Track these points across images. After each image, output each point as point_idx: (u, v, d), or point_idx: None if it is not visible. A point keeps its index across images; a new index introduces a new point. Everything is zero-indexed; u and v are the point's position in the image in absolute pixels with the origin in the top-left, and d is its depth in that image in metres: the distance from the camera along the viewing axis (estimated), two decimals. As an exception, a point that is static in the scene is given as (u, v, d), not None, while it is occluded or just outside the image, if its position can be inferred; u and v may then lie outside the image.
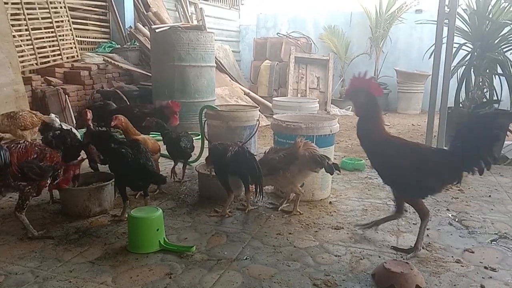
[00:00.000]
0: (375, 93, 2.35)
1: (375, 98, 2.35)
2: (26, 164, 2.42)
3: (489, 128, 2.15)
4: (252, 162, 2.87)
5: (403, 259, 2.30)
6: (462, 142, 2.24)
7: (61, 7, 6.79)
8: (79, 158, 2.92)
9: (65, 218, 2.87)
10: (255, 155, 3.02)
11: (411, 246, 2.43)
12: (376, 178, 3.90)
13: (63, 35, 6.80)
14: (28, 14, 6.25)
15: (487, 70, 4.97)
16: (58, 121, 3.93)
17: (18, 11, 6.13)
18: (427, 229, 2.74)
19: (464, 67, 4.97)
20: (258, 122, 3.86)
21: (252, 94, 8.09)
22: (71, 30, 6.94)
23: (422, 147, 2.52)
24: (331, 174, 2.97)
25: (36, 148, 2.54)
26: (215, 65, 6.44)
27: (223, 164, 2.93)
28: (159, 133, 3.80)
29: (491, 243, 2.57)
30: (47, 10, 6.56)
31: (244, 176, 2.96)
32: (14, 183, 2.44)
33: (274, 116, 3.54)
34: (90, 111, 3.43)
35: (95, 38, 7.76)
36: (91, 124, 3.37)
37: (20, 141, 2.54)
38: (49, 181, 2.59)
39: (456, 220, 2.91)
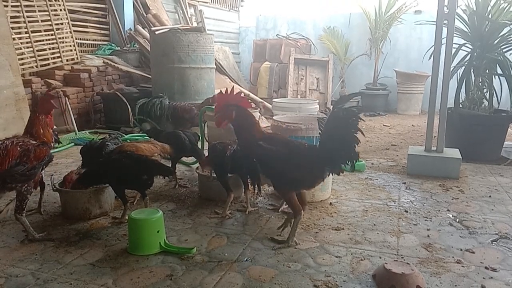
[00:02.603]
0: (245, 106, 2.56)
1: (245, 110, 2.54)
2: (8, 174, 2.30)
3: (345, 128, 2.33)
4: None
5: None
6: (328, 139, 2.43)
7: (60, 10, 6.80)
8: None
9: (65, 220, 2.86)
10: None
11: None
12: (377, 179, 3.91)
13: (62, 38, 6.81)
14: (27, 16, 6.27)
15: (487, 71, 4.98)
16: None
17: (18, 14, 6.15)
18: (427, 229, 2.75)
19: (463, 67, 4.97)
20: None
21: (252, 95, 8.09)
22: (70, 32, 6.96)
23: (295, 144, 2.58)
24: (338, 174, 2.96)
25: (18, 148, 2.34)
26: (215, 66, 6.45)
27: (222, 163, 2.94)
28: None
29: (492, 243, 2.56)
30: (47, 13, 6.58)
31: (243, 175, 2.96)
32: (7, 186, 2.41)
33: (274, 118, 3.54)
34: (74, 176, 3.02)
35: (95, 40, 7.77)
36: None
37: (0, 141, 2.36)
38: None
39: (457, 220, 2.91)
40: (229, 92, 2.53)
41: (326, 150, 2.41)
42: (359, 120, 2.33)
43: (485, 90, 5.00)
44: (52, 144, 2.60)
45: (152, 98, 4.78)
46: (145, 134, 4.66)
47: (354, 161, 2.43)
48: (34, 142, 2.45)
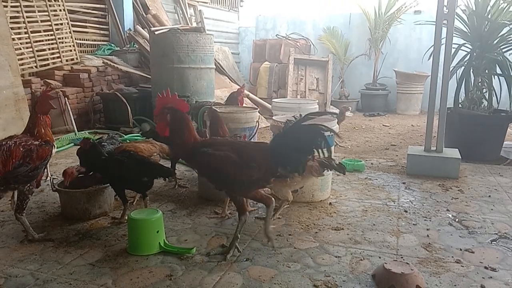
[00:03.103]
0: (181, 109, 2.36)
1: (182, 112, 2.36)
2: (11, 175, 2.31)
3: (307, 140, 2.22)
4: None
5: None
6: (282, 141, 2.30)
7: (60, 10, 6.80)
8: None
9: (65, 220, 2.86)
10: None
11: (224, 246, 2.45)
12: (376, 179, 3.91)
13: (62, 38, 6.81)
14: (27, 17, 6.26)
15: (486, 71, 4.98)
16: None
17: (17, 14, 6.14)
18: (427, 229, 2.75)
19: (463, 67, 4.98)
20: (257, 124, 3.86)
21: (251, 95, 8.09)
22: (70, 32, 6.95)
23: (242, 144, 2.45)
24: (343, 173, 2.95)
25: (21, 148, 2.34)
26: (214, 67, 6.45)
27: None
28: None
29: (491, 243, 2.57)
30: (47, 13, 6.58)
31: None
32: (10, 186, 2.41)
33: (273, 118, 3.54)
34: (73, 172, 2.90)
35: (95, 40, 7.77)
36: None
37: (3, 142, 2.34)
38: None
39: (456, 220, 2.92)
40: (166, 95, 2.38)
41: (278, 150, 2.29)
42: (324, 138, 2.22)
43: (484, 90, 5.00)
44: (54, 143, 2.60)
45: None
46: (143, 135, 4.65)
47: (301, 168, 2.30)
48: (36, 142, 2.44)
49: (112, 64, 6.96)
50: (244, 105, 4.38)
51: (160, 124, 2.36)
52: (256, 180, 2.30)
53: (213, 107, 3.23)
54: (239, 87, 4.61)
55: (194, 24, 9.18)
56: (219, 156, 2.25)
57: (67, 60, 6.81)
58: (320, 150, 2.25)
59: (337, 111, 6.06)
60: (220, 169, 2.26)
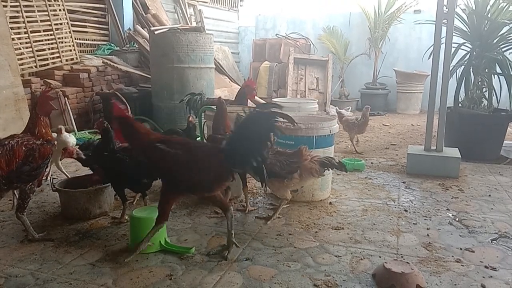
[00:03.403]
0: (122, 115, 2.41)
1: (126, 118, 2.41)
2: (15, 174, 2.33)
3: (262, 128, 2.18)
4: None
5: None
6: (236, 138, 2.26)
7: (60, 10, 6.80)
8: None
9: (65, 220, 2.86)
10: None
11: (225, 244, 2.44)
12: (376, 179, 3.91)
13: (62, 38, 6.80)
14: (27, 17, 6.26)
15: (486, 70, 4.98)
16: None
17: (17, 14, 6.14)
18: (427, 229, 2.75)
19: (463, 67, 4.98)
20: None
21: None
22: (70, 32, 6.95)
23: (195, 145, 2.43)
24: (345, 171, 2.95)
25: (23, 148, 2.36)
26: (214, 66, 6.45)
27: None
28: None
29: (492, 242, 2.57)
30: (46, 13, 6.57)
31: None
32: (13, 186, 2.43)
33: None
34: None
35: (94, 40, 7.77)
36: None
37: (5, 142, 2.36)
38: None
39: (456, 219, 2.92)
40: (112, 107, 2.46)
41: (233, 149, 2.22)
42: (276, 122, 2.18)
43: (484, 89, 5.00)
44: (54, 142, 2.61)
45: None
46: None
47: (262, 164, 2.24)
48: (38, 141, 2.45)
49: (112, 64, 6.95)
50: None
51: (116, 134, 2.43)
52: (205, 182, 2.26)
53: (221, 98, 3.26)
54: (238, 86, 4.62)
55: (194, 24, 9.17)
56: (168, 152, 2.23)
57: (66, 60, 6.81)
58: (271, 141, 2.22)
59: (331, 110, 6.01)
60: (168, 167, 2.25)
